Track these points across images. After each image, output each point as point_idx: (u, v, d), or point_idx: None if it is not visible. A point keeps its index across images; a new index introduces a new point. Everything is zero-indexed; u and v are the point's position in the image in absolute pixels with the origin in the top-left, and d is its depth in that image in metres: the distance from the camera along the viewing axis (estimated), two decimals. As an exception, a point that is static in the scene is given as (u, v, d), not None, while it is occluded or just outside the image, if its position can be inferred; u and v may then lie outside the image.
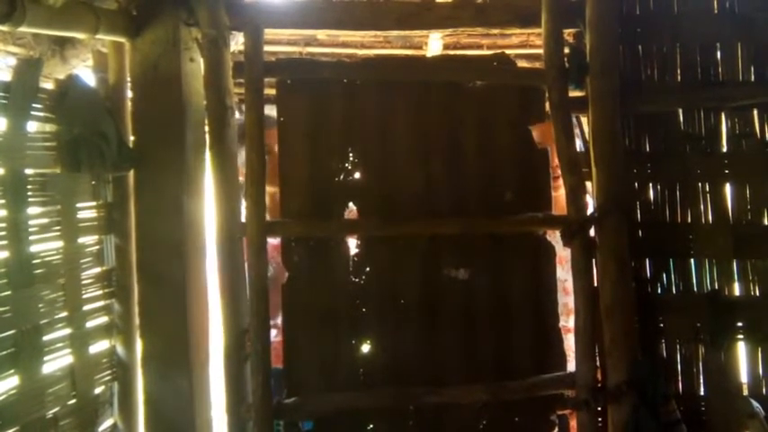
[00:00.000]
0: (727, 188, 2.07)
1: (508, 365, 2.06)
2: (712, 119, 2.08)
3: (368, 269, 2.06)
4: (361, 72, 2.12)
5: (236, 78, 2.01)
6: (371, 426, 2.02)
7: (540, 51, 2.12)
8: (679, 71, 2.10)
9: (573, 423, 2.11)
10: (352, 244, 2.11)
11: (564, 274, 2.21)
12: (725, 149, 2.08)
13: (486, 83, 2.11)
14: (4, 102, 1.71)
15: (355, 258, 2.07)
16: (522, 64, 2.70)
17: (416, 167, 2.08)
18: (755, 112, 2.05)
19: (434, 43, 2.76)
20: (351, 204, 2.09)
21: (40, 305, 1.82)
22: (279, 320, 2.14)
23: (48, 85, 1.94)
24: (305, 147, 2.06)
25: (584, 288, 1.99)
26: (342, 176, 2.08)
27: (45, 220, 1.87)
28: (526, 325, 2.08)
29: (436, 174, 2.09)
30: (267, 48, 2.65)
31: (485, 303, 2.08)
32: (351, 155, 2.08)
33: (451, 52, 2.87)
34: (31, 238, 1.80)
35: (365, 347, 2.06)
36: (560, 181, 2.18)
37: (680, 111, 2.10)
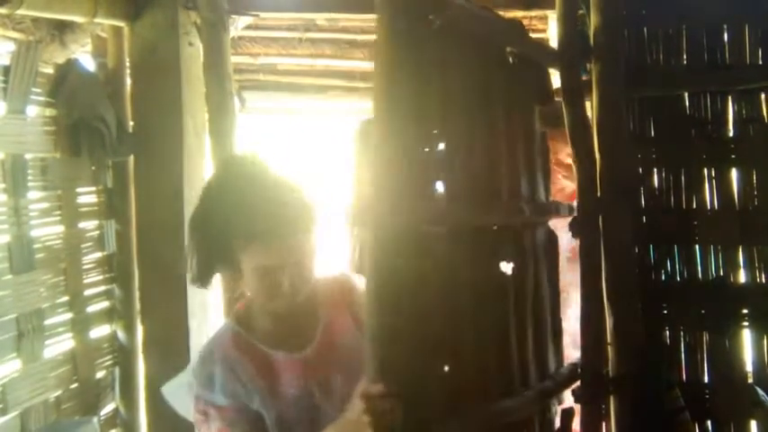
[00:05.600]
0: (734, 173, 2.02)
1: (542, 365, 1.89)
2: (719, 103, 2.03)
3: (452, 265, 1.51)
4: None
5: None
6: None
7: (543, 36, 2.09)
8: (685, 54, 2.05)
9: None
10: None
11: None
12: (731, 134, 2.04)
13: (512, 49, 1.73)
14: (4, 86, 1.72)
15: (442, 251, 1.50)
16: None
17: (481, 138, 1.59)
18: (763, 95, 2.00)
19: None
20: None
21: (41, 289, 1.84)
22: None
23: (47, 70, 1.94)
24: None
25: (592, 278, 1.95)
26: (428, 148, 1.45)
27: (45, 205, 1.88)
28: (548, 320, 1.98)
29: (491, 147, 1.61)
30: (265, 33, 2.66)
31: (526, 301, 1.75)
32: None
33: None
34: (32, 222, 1.81)
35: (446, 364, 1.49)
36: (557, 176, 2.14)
37: (686, 95, 2.05)
